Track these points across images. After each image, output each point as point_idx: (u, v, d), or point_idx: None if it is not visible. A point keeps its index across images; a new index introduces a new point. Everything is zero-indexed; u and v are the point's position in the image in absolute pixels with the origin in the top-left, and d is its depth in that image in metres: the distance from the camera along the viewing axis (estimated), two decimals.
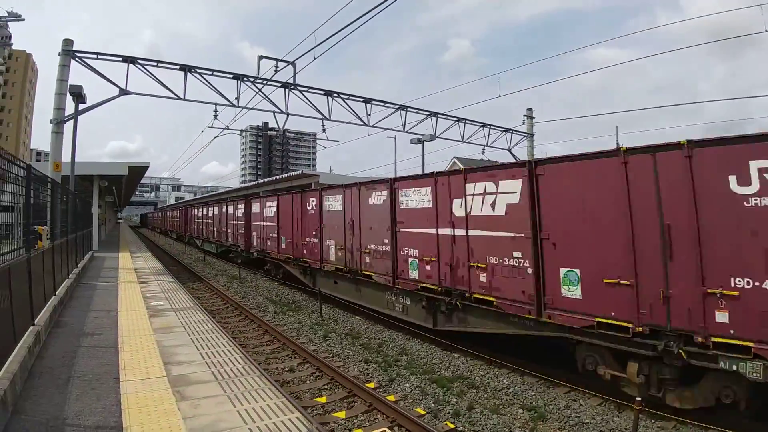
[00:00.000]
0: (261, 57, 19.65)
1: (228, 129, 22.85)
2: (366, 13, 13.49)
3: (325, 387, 8.54)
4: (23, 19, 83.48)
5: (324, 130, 22.20)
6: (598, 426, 7.16)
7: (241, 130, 40.67)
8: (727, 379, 6.42)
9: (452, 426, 6.96)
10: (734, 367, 6.08)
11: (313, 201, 16.55)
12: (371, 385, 8.48)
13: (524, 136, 28.70)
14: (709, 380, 6.69)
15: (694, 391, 6.87)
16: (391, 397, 7.90)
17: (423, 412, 7.38)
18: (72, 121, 18.61)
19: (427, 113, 25.04)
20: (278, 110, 20.35)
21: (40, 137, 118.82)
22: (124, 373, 5.75)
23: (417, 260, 11.18)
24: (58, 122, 17.81)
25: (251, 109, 20.99)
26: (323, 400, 7.83)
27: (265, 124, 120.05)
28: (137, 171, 29.31)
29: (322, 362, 9.52)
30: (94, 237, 23.09)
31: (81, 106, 18.23)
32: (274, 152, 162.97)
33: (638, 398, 6.08)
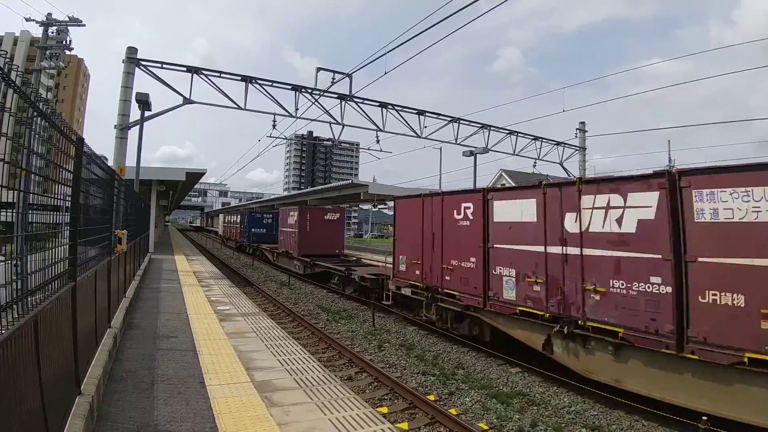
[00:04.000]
0: (319, 69, 20.18)
1: (286, 138, 23.51)
2: (426, 29, 13.71)
3: (385, 397, 8.66)
4: (84, 25, 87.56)
5: (378, 141, 22.54)
6: None
7: (288, 138, 41.62)
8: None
9: None
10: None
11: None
12: (431, 397, 8.58)
13: (576, 150, 28.31)
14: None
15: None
16: (453, 411, 7.98)
17: (486, 427, 7.46)
18: (136, 126, 19.49)
19: (479, 125, 25.09)
20: (335, 121, 20.83)
21: (91, 141, 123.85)
22: (208, 378, 5.85)
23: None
24: (123, 128, 18.71)
25: (309, 119, 21.55)
26: (384, 410, 7.94)
27: (310, 133, 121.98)
28: (193, 177, 30.40)
29: (380, 372, 9.67)
30: (150, 240, 24.06)
31: (146, 113, 19.11)
32: (317, 161, 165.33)
33: (704, 417, 6.10)
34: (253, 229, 36.66)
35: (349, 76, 19.94)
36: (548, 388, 9.46)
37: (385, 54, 16.36)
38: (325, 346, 11.98)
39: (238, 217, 41.44)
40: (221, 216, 59.00)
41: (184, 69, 18.79)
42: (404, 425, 7.42)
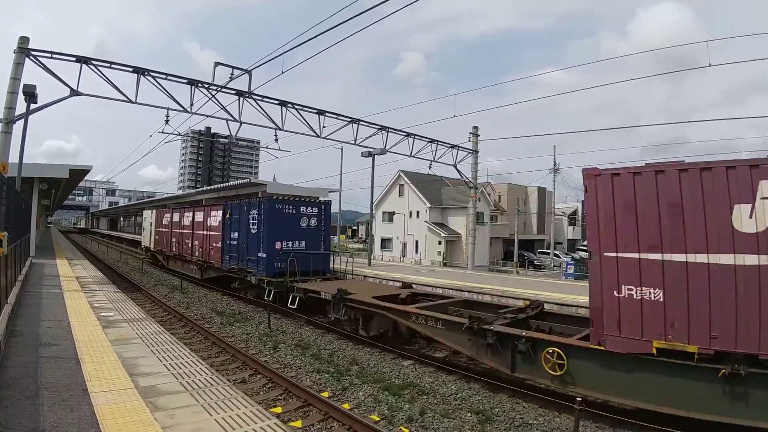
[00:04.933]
0: (217, 63, 19.57)
1: (180, 135, 22.51)
2: (332, 27, 13.77)
3: (279, 397, 8.67)
4: None
5: (277, 140, 22.27)
6: (541, 426, 7.77)
7: (183, 134, 39.80)
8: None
9: (407, 431, 7.36)
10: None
11: None
12: (325, 394, 8.73)
13: (469, 153, 29.78)
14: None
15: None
16: (346, 405, 8.20)
17: (378, 419, 7.74)
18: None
19: (378, 127, 25.59)
20: (232, 118, 20.27)
21: None
22: (91, 385, 5.69)
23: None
24: (8, 122, 17.09)
25: (205, 115, 20.80)
26: (278, 410, 7.96)
27: (208, 129, 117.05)
28: (78, 174, 28.11)
29: (274, 372, 9.65)
30: (31, 243, 22.05)
31: (32, 106, 17.50)
32: (215, 159, 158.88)
33: (579, 399, 6.73)
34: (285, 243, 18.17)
35: (249, 72, 19.54)
36: (437, 377, 10.05)
37: (286, 52, 16.28)
38: (218, 350, 11.66)
39: (220, 213, 21.35)
40: (149, 214, 33.81)
41: (74, 59, 17.40)
42: (298, 423, 7.49)
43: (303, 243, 18.48)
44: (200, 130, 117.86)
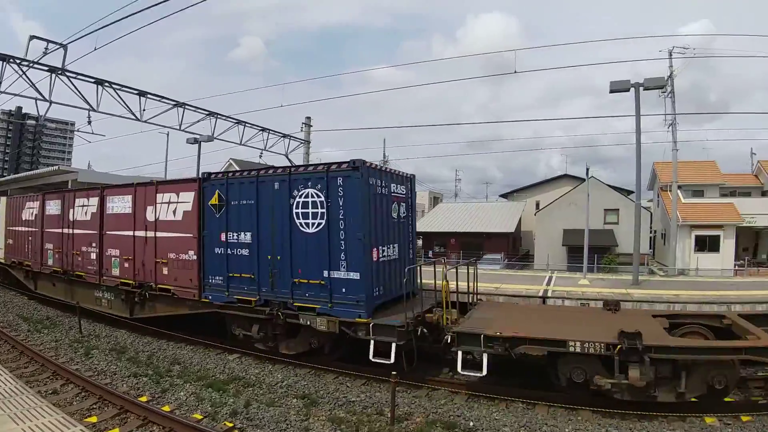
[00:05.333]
0: (32, 37, 16.96)
1: None
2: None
3: (94, 406, 8.20)
4: None
5: (90, 122, 20.06)
6: (363, 402, 8.42)
7: None
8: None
9: (230, 425, 7.42)
10: None
11: None
12: (144, 398, 8.43)
13: (301, 143, 29.91)
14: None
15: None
16: (166, 408, 8.01)
17: (200, 417, 7.70)
18: None
19: (207, 113, 24.45)
20: (41, 97, 17.80)
21: None
22: None
23: None
24: None
25: (13, 94, 17.95)
26: (94, 419, 7.56)
27: (19, 109, 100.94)
28: None
29: (87, 381, 9.06)
30: None
31: None
32: (24, 143, 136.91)
33: (394, 372, 7.54)
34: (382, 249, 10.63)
35: (64, 46, 17.28)
36: (263, 368, 10.19)
37: (105, 26, 14.74)
38: (27, 359, 10.59)
39: (190, 197, 12.19)
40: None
41: None
42: (116, 431, 7.19)
43: (396, 247, 11.18)
44: (11, 110, 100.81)
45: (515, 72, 19.50)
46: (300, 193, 10.17)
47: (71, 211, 15.73)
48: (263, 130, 27.50)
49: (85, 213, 15.13)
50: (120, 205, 13.89)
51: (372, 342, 9.24)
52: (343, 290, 9.68)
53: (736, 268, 28.73)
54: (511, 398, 8.33)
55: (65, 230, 15.95)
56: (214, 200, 11.49)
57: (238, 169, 13.21)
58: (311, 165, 11.37)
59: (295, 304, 10.23)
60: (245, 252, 11.04)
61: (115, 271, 13.94)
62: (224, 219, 11.29)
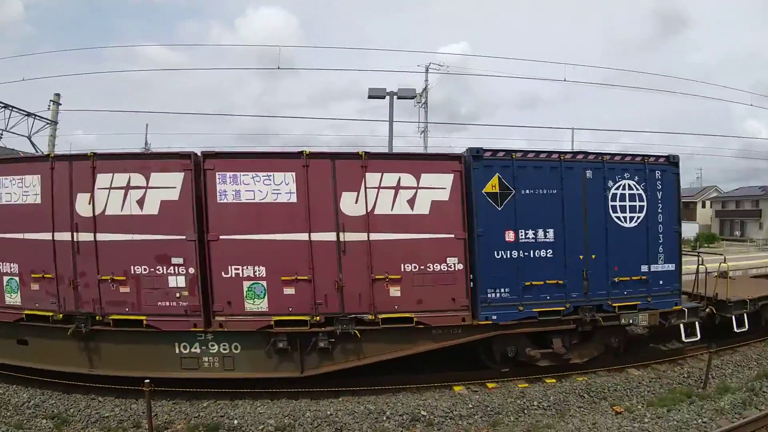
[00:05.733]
0: None
1: None
2: None
3: None
4: None
5: None
6: (119, 416, 7.74)
7: None
8: None
9: None
10: None
11: None
12: None
13: (48, 123, 24.35)
14: None
15: None
16: None
17: None
18: None
19: None
20: None
21: None
22: None
23: None
24: None
25: None
26: None
27: None
28: None
29: None
30: None
31: None
32: None
33: (147, 380, 6.82)
34: None
35: None
36: (8, 387, 8.76)
37: None
38: None
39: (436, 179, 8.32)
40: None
41: None
42: None
43: None
44: None
45: (278, 68, 25.28)
46: (617, 185, 9.37)
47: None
48: (6, 107, 22.06)
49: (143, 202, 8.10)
50: (262, 188, 8.12)
51: (682, 325, 9.94)
52: (660, 282, 9.69)
53: None
54: (275, 389, 8.37)
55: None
56: (491, 187, 8.75)
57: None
58: (626, 155, 9.89)
59: (613, 304, 9.35)
60: (548, 253, 9.05)
61: (259, 304, 8.16)
62: (512, 212, 8.80)
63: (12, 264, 8.41)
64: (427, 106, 28.36)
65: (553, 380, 9.12)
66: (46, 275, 8.22)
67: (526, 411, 7.93)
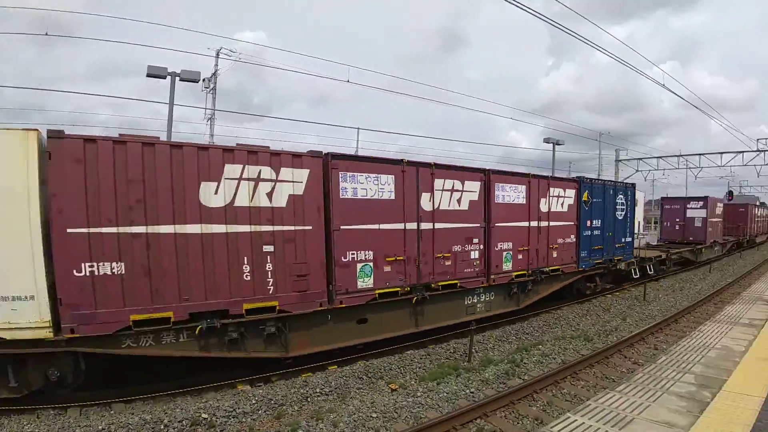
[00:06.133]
0: None
1: None
2: None
3: None
4: None
5: None
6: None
7: None
8: None
9: None
10: None
11: None
12: None
13: None
14: None
15: None
16: None
17: None
18: None
19: None
20: None
21: None
22: None
23: None
24: None
25: None
26: None
27: None
28: None
29: None
30: None
31: None
32: None
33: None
34: None
35: None
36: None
37: None
38: None
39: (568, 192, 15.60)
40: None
41: None
42: None
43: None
44: None
45: (47, 34, 20.47)
46: (618, 197, 17.71)
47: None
48: None
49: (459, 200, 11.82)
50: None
51: (633, 269, 19.18)
52: (627, 247, 18.60)
53: None
54: (42, 407, 7.48)
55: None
56: (585, 197, 15.81)
57: None
58: (620, 182, 19.21)
59: (615, 258, 17.66)
60: (597, 233, 16.46)
61: (507, 266, 12.99)
62: (589, 211, 16.03)
63: (368, 251, 9.97)
64: (216, 92, 27.00)
65: (335, 366, 9.51)
66: (398, 258, 10.38)
67: (309, 399, 8.00)
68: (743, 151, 33.17)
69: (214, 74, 26.44)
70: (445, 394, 7.96)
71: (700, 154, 35.64)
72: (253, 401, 7.75)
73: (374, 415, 7.19)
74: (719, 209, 30.64)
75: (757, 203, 44.41)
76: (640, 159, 39.00)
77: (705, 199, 27.43)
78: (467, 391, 8.15)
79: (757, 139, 31.83)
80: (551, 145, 34.98)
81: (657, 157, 38.39)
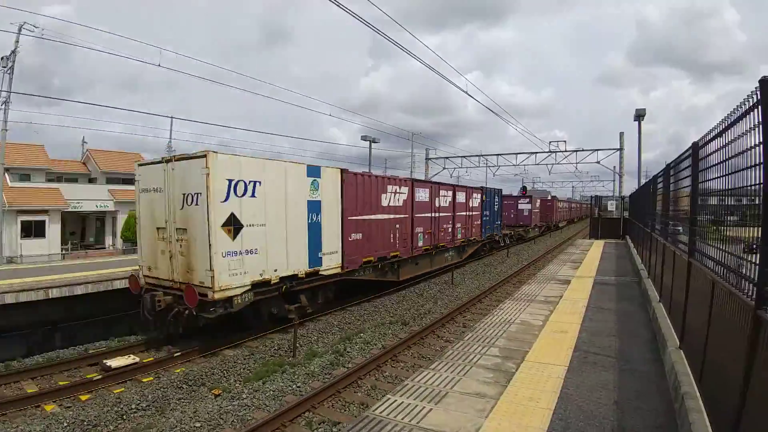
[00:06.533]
0: None
1: None
2: None
3: None
4: None
5: None
6: None
7: None
8: None
9: None
10: None
11: None
12: None
13: None
14: None
15: None
16: None
17: None
18: None
19: None
20: None
21: None
22: None
23: None
24: None
25: None
26: None
27: None
28: None
29: None
30: None
31: None
32: None
33: None
34: None
35: None
36: None
37: None
38: None
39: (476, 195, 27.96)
40: None
41: None
42: None
43: None
44: None
45: None
46: (477, 197, 29.68)
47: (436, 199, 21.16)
48: None
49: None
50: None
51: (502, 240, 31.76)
52: (497, 226, 30.65)
53: (63, 252, 30.75)
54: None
55: (433, 215, 20.68)
56: (484, 198, 27.36)
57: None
58: (483, 187, 28.71)
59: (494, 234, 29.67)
60: (487, 218, 28.29)
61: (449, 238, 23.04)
62: (487, 205, 28.25)
63: (420, 227, 19.25)
64: (13, 72, 24.32)
65: (150, 378, 9.07)
66: (427, 231, 20.23)
67: (125, 416, 7.46)
68: (536, 152, 38.69)
69: (14, 51, 24.17)
70: (272, 393, 7.94)
71: (498, 154, 40.96)
72: (65, 424, 7.09)
73: (198, 424, 6.97)
74: (538, 203, 44.67)
75: (549, 197, 60.62)
76: (447, 158, 43.64)
77: (530, 196, 41.23)
78: (294, 386, 8.25)
79: (549, 142, 39.82)
80: (368, 142, 37.95)
81: (461, 156, 43.42)
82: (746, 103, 3.25)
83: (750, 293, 3.03)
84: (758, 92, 2.99)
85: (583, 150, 36.77)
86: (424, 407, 4.95)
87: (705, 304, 4.34)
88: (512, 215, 40.05)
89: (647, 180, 14.87)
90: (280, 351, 10.54)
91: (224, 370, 9.35)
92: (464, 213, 24.10)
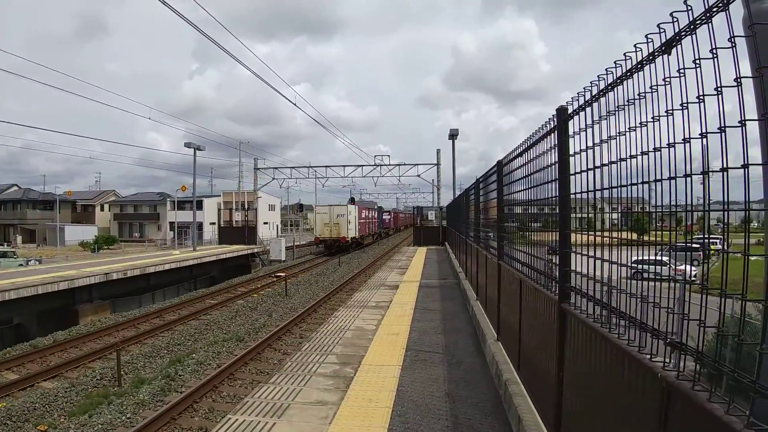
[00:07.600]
0: None
1: None
2: None
3: None
4: None
5: None
6: None
7: None
8: None
9: None
10: None
11: None
12: None
13: None
14: None
15: None
16: None
17: None
18: None
19: None
20: None
21: None
22: None
23: None
24: None
25: None
26: None
27: None
28: None
29: None
30: None
31: None
32: None
33: None
34: None
35: None
36: None
37: None
38: None
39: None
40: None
41: None
42: None
43: None
44: None
45: None
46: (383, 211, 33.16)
47: None
48: None
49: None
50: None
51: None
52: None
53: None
54: None
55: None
56: (377, 213, 28.64)
57: None
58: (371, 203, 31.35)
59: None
60: (376, 223, 30.09)
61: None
62: (377, 216, 29.54)
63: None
64: None
65: None
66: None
67: None
68: (363, 165, 38.74)
69: None
70: (101, 426, 7.42)
71: (327, 166, 40.04)
72: None
73: None
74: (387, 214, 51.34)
75: (375, 207, 64.98)
76: (276, 168, 41.89)
77: (380, 207, 47.48)
78: (123, 417, 7.73)
79: (375, 156, 40.03)
80: (193, 150, 35.35)
81: (291, 167, 42.02)
82: (544, 127, 3.85)
83: (554, 290, 3.57)
84: (555, 119, 3.56)
85: (405, 164, 38.41)
86: (267, 422, 4.85)
87: (515, 300, 4.96)
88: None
89: (461, 192, 16.43)
90: (103, 381, 9.80)
91: (46, 404, 8.70)
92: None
